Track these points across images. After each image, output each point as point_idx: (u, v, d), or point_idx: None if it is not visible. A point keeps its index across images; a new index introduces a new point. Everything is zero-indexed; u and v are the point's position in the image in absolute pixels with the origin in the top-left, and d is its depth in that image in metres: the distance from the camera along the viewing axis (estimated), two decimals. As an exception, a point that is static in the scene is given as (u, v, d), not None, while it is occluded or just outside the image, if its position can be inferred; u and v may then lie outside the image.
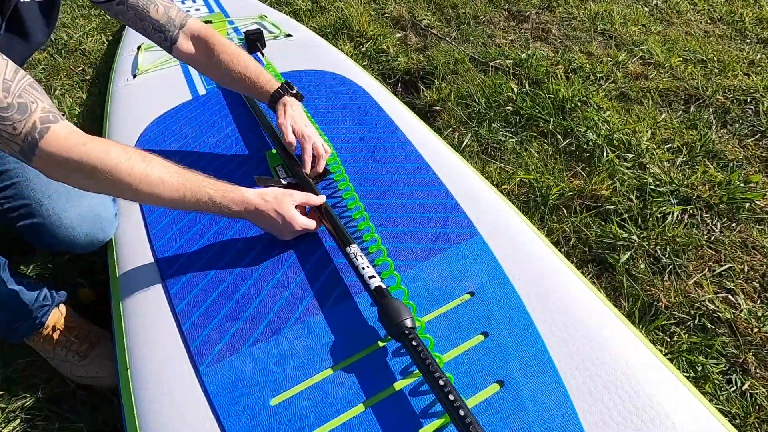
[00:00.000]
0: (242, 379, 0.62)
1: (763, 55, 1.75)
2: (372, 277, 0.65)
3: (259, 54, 1.35)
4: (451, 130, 1.44)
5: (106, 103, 1.32)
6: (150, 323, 0.71)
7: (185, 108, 1.20)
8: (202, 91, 1.25)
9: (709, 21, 2.03)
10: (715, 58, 1.73)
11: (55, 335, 0.84)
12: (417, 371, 0.59)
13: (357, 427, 0.57)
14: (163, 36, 0.91)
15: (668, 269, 1.02)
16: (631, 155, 1.28)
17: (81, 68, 1.79)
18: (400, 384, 0.60)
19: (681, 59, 1.73)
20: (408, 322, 0.59)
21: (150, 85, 1.33)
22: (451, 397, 0.52)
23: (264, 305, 0.70)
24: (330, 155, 0.90)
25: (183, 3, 1.76)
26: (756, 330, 0.91)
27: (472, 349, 0.63)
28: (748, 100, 1.50)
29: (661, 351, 0.88)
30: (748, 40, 1.87)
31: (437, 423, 0.56)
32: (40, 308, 0.81)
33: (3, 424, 0.77)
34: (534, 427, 0.55)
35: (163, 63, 1.37)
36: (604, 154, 1.26)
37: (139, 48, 1.47)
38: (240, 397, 0.60)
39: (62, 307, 0.87)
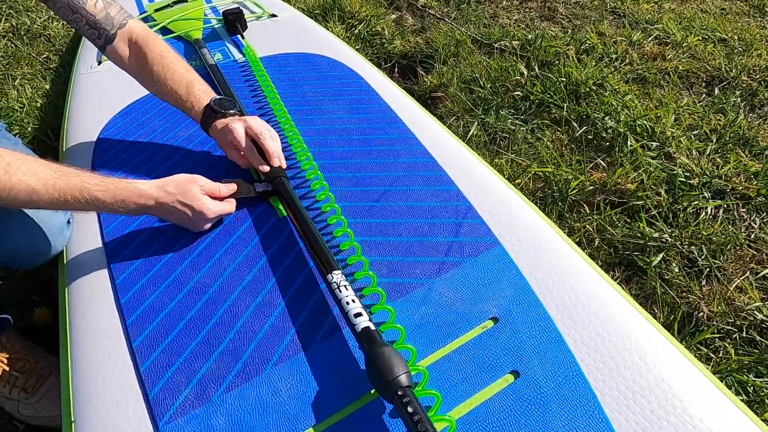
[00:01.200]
0: None
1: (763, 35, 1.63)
2: (358, 315, 0.52)
3: (239, 36, 1.21)
4: (455, 119, 1.31)
5: (67, 92, 1.18)
6: (101, 362, 0.57)
7: (154, 98, 1.05)
8: (174, 78, 1.10)
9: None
10: (736, 37, 1.60)
11: None
12: None
13: None
14: (96, 33, 0.78)
15: (706, 272, 0.91)
16: (655, 143, 1.15)
17: (45, 56, 1.62)
18: None
19: (699, 38, 1.60)
20: (402, 379, 0.46)
21: (117, 72, 1.18)
22: None
23: (240, 339, 0.57)
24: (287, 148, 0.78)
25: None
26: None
27: (498, 394, 0.50)
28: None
29: (710, 369, 0.77)
30: (769, 17, 1.75)
31: None
32: None
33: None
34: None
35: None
36: (627, 142, 1.13)
37: None
38: (210, 462, 0.48)
39: (5, 335, 0.73)
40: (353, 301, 0.53)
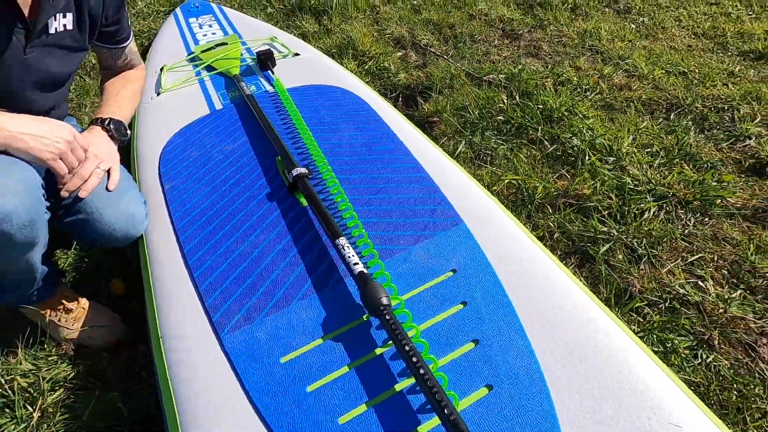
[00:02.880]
0: (257, 343, 0.72)
1: (742, 67, 1.86)
2: (356, 264, 0.76)
3: (270, 72, 1.49)
4: (447, 139, 1.56)
5: (133, 121, 1.47)
6: (177, 302, 0.82)
7: (204, 121, 1.33)
8: (218, 106, 1.38)
9: (692, 36, 2.15)
10: (696, 70, 1.84)
11: (57, 304, 0.97)
12: (395, 345, 0.68)
13: (344, 383, 0.67)
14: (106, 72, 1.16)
15: (644, 259, 1.12)
16: (612, 158, 1.38)
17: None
18: (379, 350, 0.70)
19: (664, 71, 1.84)
20: (383, 300, 0.69)
21: (172, 101, 1.47)
22: (414, 359, 0.62)
23: (275, 284, 0.81)
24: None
25: (200, 28, 1.93)
26: (722, 311, 0.99)
27: (451, 317, 0.73)
28: (726, 108, 1.60)
29: (634, 330, 0.97)
30: (729, 53, 1.98)
31: (407, 381, 0.66)
32: (53, 283, 0.94)
33: (49, 393, 0.88)
34: (504, 381, 0.65)
35: (183, 82, 1.52)
36: (587, 157, 1.37)
37: (161, 69, 1.62)
38: (255, 358, 0.71)
39: (60, 288, 1.00)
40: (353, 256, 0.77)
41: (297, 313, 0.76)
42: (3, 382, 0.88)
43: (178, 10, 2.06)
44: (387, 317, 0.67)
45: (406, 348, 0.63)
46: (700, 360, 0.92)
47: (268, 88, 1.43)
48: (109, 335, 1.01)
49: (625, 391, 0.63)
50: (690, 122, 1.55)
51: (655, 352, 0.93)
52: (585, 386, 0.64)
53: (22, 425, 0.85)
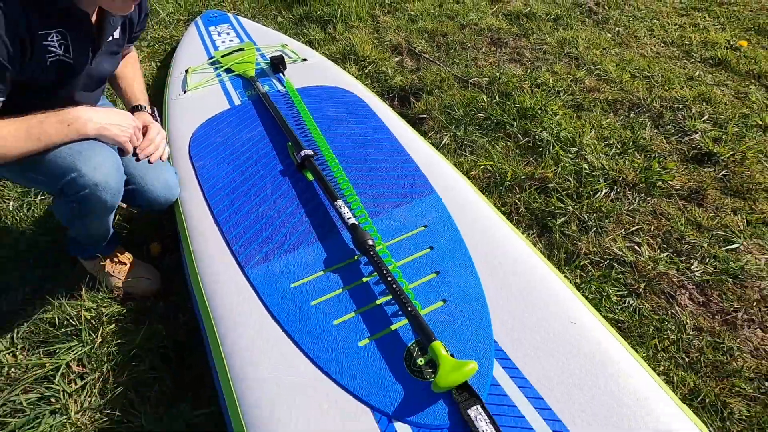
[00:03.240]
0: (273, 275, 0.95)
1: (701, 72, 2.08)
2: (349, 218, 0.99)
3: (281, 74, 1.73)
4: (434, 132, 1.79)
5: (164, 112, 1.71)
6: (211, 249, 1.05)
7: (225, 114, 1.57)
8: (237, 102, 1.62)
9: (662, 44, 2.38)
10: (660, 75, 2.06)
11: (113, 258, 1.21)
12: (377, 274, 0.91)
13: (337, 300, 0.90)
14: None
15: (592, 230, 1.34)
16: (574, 149, 1.61)
17: (137, 89, 2.21)
18: (365, 279, 0.93)
19: (630, 75, 2.07)
20: (369, 242, 0.92)
21: (197, 98, 1.72)
22: (391, 281, 0.85)
23: (286, 236, 1.04)
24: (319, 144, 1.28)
25: (219, 35, 2.17)
26: (650, 268, 1.21)
27: (420, 257, 0.96)
28: (680, 107, 1.83)
29: (576, 282, 1.20)
30: (692, 60, 2.21)
31: (385, 298, 0.89)
32: (114, 242, 1.19)
33: (107, 324, 1.11)
34: (455, 298, 0.87)
35: (206, 82, 1.76)
36: (552, 147, 1.59)
37: (186, 71, 1.86)
38: (272, 284, 0.94)
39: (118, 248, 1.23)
40: (347, 213, 1.00)
41: (303, 254, 0.99)
42: (72, 315, 1.12)
43: (198, 20, 2.31)
44: (371, 253, 0.90)
45: (385, 273, 0.86)
46: (627, 305, 1.14)
47: (280, 87, 1.67)
48: (151, 285, 1.24)
49: (548, 309, 0.86)
50: (647, 119, 1.78)
51: (591, 299, 1.15)
52: (516, 306, 0.87)
53: (87, 347, 1.08)
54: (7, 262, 1.34)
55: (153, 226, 1.42)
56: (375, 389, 0.76)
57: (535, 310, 0.85)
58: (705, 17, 2.63)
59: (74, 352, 1.08)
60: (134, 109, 1.25)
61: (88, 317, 1.12)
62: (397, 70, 2.25)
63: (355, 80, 1.73)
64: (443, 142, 1.72)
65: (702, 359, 1.03)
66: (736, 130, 1.69)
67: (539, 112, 1.81)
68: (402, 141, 1.32)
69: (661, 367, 1.02)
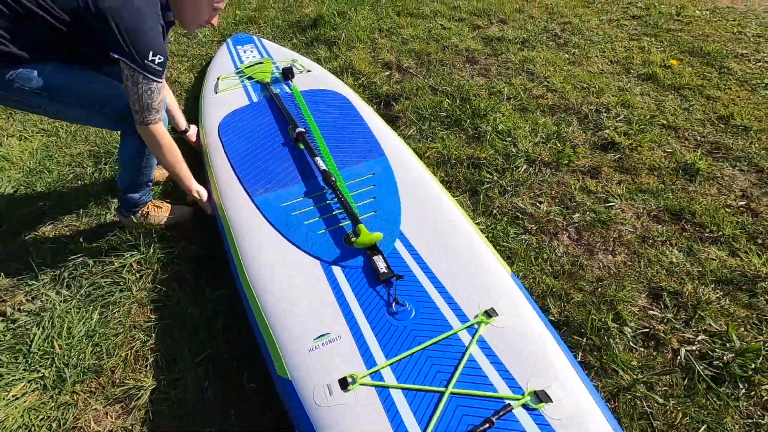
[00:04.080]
0: (271, 200, 1.45)
1: (632, 85, 2.54)
2: (322, 167, 1.48)
3: (290, 81, 2.27)
4: (405, 127, 2.29)
5: (200, 107, 2.26)
6: (230, 186, 1.56)
7: (245, 108, 2.11)
8: (255, 100, 2.16)
9: (608, 63, 2.85)
10: (597, 86, 2.53)
11: (153, 204, 1.73)
12: (335, 198, 1.39)
13: (310, 212, 1.38)
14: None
15: (508, 193, 1.80)
16: (509, 138, 2.08)
17: (179, 93, 2.80)
18: (328, 201, 1.42)
19: (572, 87, 2.54)
20: (332, 178, 1.41)
21: (225, 97, 2.27)
22: (343, 199, 1.33)
23: (281, 180, 1.54)
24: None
25: (244, 52, 2.75)
26: (543, 217, 1.66)
27: (366, 191, 1.44)
28: (603, 111, 2.28)
29: (487, 224, 1.65)
30: (630, 75, 2.67)
31: (338, 211, 1.37)
32: (149, 192, 1.71)
33: (156, 243, 1.63)
34: (382, 210, 1.35)
35: (233, 86, 2.31)
36: (488, 136, 2.07)
37: (218, 78, 2.43)
38: (270, 205, 1.43)
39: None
40: (321, 164, 1.50)
41: (290, 188, 1.49)
42: (134, 236, 1.64)
43: (229, 41, 2.90)
44: (333, 186, 1.39)
45: (340, 196, 1.35)
46: (520, 239, 1.59)
47: (288, 91, 2.20)
48: (185, 215, 1.75)
49: (439, 219, 1.33)
50: (574, 119, 2.24)
51: (496, 235, 1.60)
52: (419, 216, 1.34)
53: (143, 255, 1.59)
54: (91, 206, 1.88)
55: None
56: (324, 251, 1.25)
57: (430, 219, 1.32)
58: (652, 41, 3.09)
59: (134, 257, 1.59)
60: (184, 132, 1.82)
61: (143, 237, 1.64)
62: (385, 81, 2.78)
63: (347, 87, 2.25)
64: (410, 133, 2.21)
65: (561, 270, 1.47)
66: (642, 126, 2.14)
67: (489, 112, 2.29)
68: (372, 127, 1.83)
69: (532, 275, 1.46)
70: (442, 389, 0.95)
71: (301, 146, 1.70)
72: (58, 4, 1.31)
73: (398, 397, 0.95)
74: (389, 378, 0.98)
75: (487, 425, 0.88)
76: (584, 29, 3.33)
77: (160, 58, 1.31)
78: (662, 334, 1.27)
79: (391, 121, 2.36)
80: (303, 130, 1.73)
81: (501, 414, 0.90)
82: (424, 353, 1.02)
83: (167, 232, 1.72)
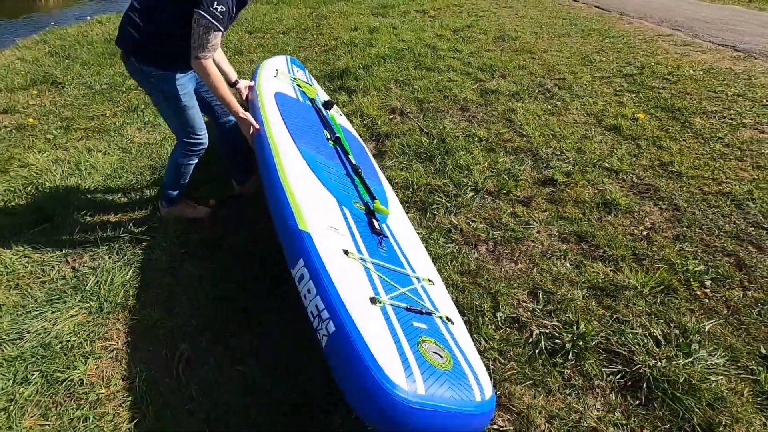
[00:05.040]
0: (308, 150, 1.97)
1: (595, 133, 2.90)
2: (354, 163, 2.01)
3: (332, 109, 2.85)
4: (388, 159, 2.81)
5: (258, 75, 2.82)
6: (281, 135, 2.07)
7: (294, 99, 2.67)
8: (300, 100, 2.78)
9: (585, 115, 3.22)
10: (563, 133, 2.91)
11: (186, 202, 2.34)
12: (359, 182, 1.92)
13: (326, 158, 1.91)
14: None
15: (452, 213, 2.23)
16: (466, 171, 2.52)
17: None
18: (353, 182, 1.92)
19: (540, 134, 2.94)
20: (360, 171, 1.93)
21: (280, 83, 2.91)
22: (346, 153, 1.86)
23: (323, 151, 2.09)
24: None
25: (296, 72, 3.41)
26: (471, 232, 2.07)
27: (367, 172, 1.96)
28: (558, 153, 2.66)
29: (425, 235, 2.09)
30: (599, 126, 3.02)
31: (356, 199, 1.90)
32: (184, 191, 2.33)
33: (185, 226, 2.23)
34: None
35: (285, 81, 2.90)
36: (448, 169, 2.53)
37: (277, 70, 3.04)
38: (308, 153, 1.92)
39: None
40: (353, 160, 2.04)
41: (326, 159, 1.97)
42: (173, 221, 2.26)
43: (288, 57, 3.54)
44: (360, 174, 1.91)
45: (364, 181, 1.86)
46: (447, 247, 2.01)
47: (326, 113, 2.77)
48: (204, 215, 2.35)
49: (405, 226, 1.80)
50: (530, 159, 2.64)
51: (431, 242, 2.03)
52: (396, 219, 1.82)
53: (175, 236, 2.20)
54: (141, 202, 2.55)
55: (210, 191, 2.57)
56: (343, 199, 1.72)
57: (400, 220, 1.80)
58: (632, 97, 3.43)
59: (176, 230, 2.20)
60: (234, 83, 2.39)
61: (171, 224, 2.25)
62: (386, 123, 3.34)
63: (350, 125, 2.83)
64: (389, 164, 2.72)
65: (468, 270, 1.87)
66: (586, 168, 2.50)
67: (459, 151, 2.76)
68: (367, 152, 2.36)
69: (445, 272, 1.87)
70: (401, 268, 1.44)
71: (331, 144, 2.21)
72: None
73: (373, 272, 1.40)
74: (369, 264, 1.43)
75: (422, 311, 1.33)
76: (574, 85, 3.73)
77: (222, 8, 1.72)
78: (525, 320, 1.63)
79: (380, 154, 2.89)
80: (339, 136, 2.26)
81: (425, 312, 1.34)
82: (385, 269, 1.49)
83: (189, 223, 2.32)
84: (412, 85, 3.97)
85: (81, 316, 1.80)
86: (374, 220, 1.70)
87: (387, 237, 1.65)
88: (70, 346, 1.68)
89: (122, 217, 2.40)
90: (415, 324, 1.28)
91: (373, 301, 1.27)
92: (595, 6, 7.30)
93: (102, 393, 1.51)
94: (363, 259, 1.43)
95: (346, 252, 1.42)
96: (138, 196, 2.58)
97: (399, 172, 2.64)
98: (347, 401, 1.12)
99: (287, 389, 1.50)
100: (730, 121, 2.94)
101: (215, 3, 1.71)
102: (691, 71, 3.86)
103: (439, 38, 5.48)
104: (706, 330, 1.54)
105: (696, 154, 2.60)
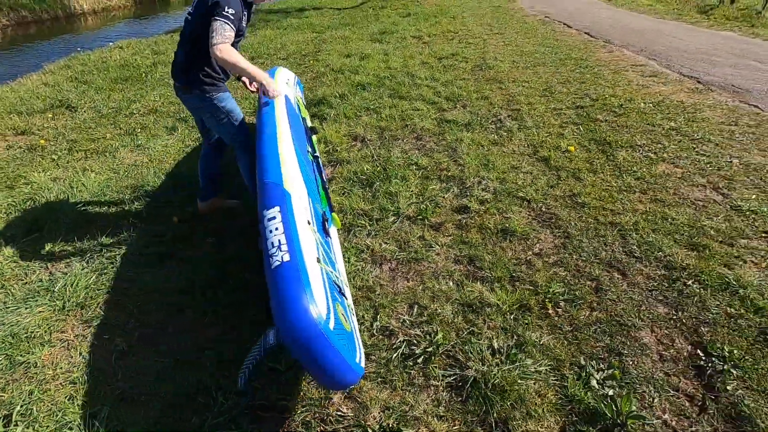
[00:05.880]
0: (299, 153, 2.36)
1: (525, 164, 3.17)
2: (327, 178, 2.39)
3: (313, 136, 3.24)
4: (335, 184, 3.15)
5: (276, 79, 3.33)
6: (282, 119, 2.52)
7: (295, 111, 3.14)
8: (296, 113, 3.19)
9: (525, 145, 3.50)
10: (495, 163, 3.20)
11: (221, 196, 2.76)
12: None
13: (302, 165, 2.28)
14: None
15: (370, 235, 2.55)
16: (394, 197, 2.84)
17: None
18: (316, 176, 2.30)
19: (477, 162, 3.23)
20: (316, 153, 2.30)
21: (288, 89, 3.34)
22: (316, 162, 2.21)
23: (305, 157, 2.48)
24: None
25: (297, 93, 3.85)
26: (379, 252, 2.39)
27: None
28: (481, 182, 2.95)
29: (346, 249, 2.43)
30: (533, 157, 3.29)
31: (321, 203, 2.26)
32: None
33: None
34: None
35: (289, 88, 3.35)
36: (380, 198, 2.86)
37: (287, 80, 3.49)
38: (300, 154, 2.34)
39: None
40: (326, 176, 2.42)
41: (304, 153, 2.37)
42: (139, 233, 2.68)
43: (297, 78, 3.95)
44: (317, 161, 2.29)
45: (320, 168, 2.23)
46: (355, 265, 2.33)
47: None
48: (236, 204, 2.76)
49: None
50: (456, 187, 2.94)
51: (349, 256, 2.36)
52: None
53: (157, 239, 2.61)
54: (114, 213, 2.98)
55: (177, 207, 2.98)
56: (310, 189, 2.04)
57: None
58: (573, 129, 3.68)
59: (140, 243, 2.61)
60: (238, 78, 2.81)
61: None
62: (346, 149, 3.70)
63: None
64: (335, 188, 3.07)
65: (364, 285, 2.18)
66: (501, 197, 2.78)
67: (395, 178, 3.08)
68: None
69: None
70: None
71: (310, 158, 2.59)
72: (198, 20, 2.24)
73: (321, 246, 1.72)
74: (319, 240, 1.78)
75: (341, 290, 1.65)
76: (526, 116, 4.01)
77: (232, 11, 2.12)
78: (395, 329, 1.93)
79: (331, 179, 3.25)
80: (318, 155, 2.62)
81: (341, 293, 1.64)
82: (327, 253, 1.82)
83: (151, 237, 2.73)
84: (380, 114, 4.33)
85: (46, 313, 2.21)
86: (326, 223, 2.02)
87: (330, 239, 1.98)
88: (33, 335, 2.09)
89: (98, 230, 2.83)
90: (336, 294, 1.59)
91: (317, 260, 1.58)
92: (585, 33, 7.54)
93: (49, 374, 1.90)
94: (317, 233, 1.76)
95: (309, 222, 1.73)
96: (116, 212, 3.02)
97: (339, 196, 2.98)
98: (274, 319, 1.35)
99: (188, 378, 1.85)
100: (652, 155, 3.16)
101: (226, 7, 2.12)
102: (642, 104, 4.08)
103: (423, 65, 5.86)
104: (541, 343, 1.80)
105: (606, 186, 2.84)
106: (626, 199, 2.68)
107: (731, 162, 3.01)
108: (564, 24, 8.36)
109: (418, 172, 3.19)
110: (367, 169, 3.23)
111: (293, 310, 1.36)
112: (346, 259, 2.37)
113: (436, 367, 1.75)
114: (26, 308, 2.24)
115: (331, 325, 1.39)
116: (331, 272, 1.74)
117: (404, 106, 4.48)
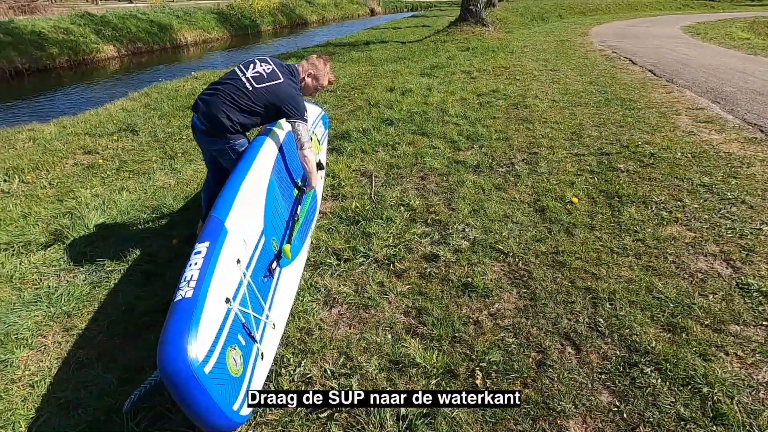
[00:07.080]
0: (273, 187, 2.57)
1: (521, 213, 3.00)
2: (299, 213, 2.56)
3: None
4: (324, 218, 3.23)
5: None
6: (265, 167, 2.75)
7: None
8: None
9: (530, 192, 3.32)
10: (488, 210, 3.07)
11: None
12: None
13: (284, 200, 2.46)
14: None
15: (334, 275, 2.57)
16: (370, 239, 2.84)
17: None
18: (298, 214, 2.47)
19: (470, 208, 3.13)
20: (296, 218, 2.48)
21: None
22: (300, 199, 2.38)
23: (285, 192, 2.67)
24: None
25: (319, 127, 4.09)
26: (336, 293, 2.40)
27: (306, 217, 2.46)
28: (464, 229, 2.85)
29: (305, 287, 2.48)
30: (535, 205, 3.11)
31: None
32: None
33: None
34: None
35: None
36: (358, 236, 2.87)
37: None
38: (272, 191, 2.55)
39: None
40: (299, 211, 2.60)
41: (284, 187, 2.58)
42: (135, 257, 2.96)
43: (323, 112, 4.23)
44: (296, 219, 2.45)
45: (294, 224, 2.40)
46: (307, 303, 2.36)
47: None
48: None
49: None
50: (437, 233, 2.86)
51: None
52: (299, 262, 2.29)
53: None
54: (144, 229, 3.31)
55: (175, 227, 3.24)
56: (267, 226, 2.23)
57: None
58: (588, 178, 3.42)
59: (134, 261, 2.88)
60: None
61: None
62: (351, 185, 3.78)
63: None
64: (321, 223, 3.15)
65: (305, 328, 2.19)
66: (476, 248, 2.66)
67: (378, 219, 3.08)
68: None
69: (289, 325, 2.22)
70: (263, 302, 1.88)
71: (297, 194, 2.77)
72: (260, 101, 2.49)
73: (244, 287, 1.87)
74: (246, 279, 1.91)
75: (250, 335, 1.73)
76: (542, 161, 3.82)
77: (306, 113, 2.54)
78: (314, 378, 1.91)
79: (324, 214, 3.33)
80: (305, 190, 2.81)
81: (251, 337, 1.71)
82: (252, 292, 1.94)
83: (144, 257, 2.99)
84: (396, 150, 4.37)
85: (40, 317, 2.51)
86: (275, 263, 2.11)
87: (272, 278, 2.07)
88: (21, 337, 2.38)
89: (109, 245, 3.17)
90: (239, 337, 1.66)
91: (227, 300, 1.67)
92: (649, 70, 7.03)
93: (17, 374, 2.15)
94: (244, 274, 1.85)
95: (238, 261, 1.84)
96: (130, 230, 3.36)
97: (323, 233, 3.05)
98: (158, 350, 1.40)
99: (126, 396, 1.98)
100: (665, 213, 2.83)
101: (305, 112, 2.54)
102: (678, 154, 3.69)
103: (459, 101, 5.84)
104: (453, 416, 1.68)
105: (598, 245, 2.60)
106: (614, 263, 2.42)
107: (760, 230, 2.60)
108: (629, 60, 7.85)
109: (406, 213, 3.16)
110: (356, 207, 3.27)
111: (170, 348, 1.42)
112: (300, 297, 2.41)
113: (337, 426, 1.70)
114: (27, 311, 2.56)
115: (208, 368, 1.43)
116: (250, 314, 1.79)
117: (423, 143, 4.48)
